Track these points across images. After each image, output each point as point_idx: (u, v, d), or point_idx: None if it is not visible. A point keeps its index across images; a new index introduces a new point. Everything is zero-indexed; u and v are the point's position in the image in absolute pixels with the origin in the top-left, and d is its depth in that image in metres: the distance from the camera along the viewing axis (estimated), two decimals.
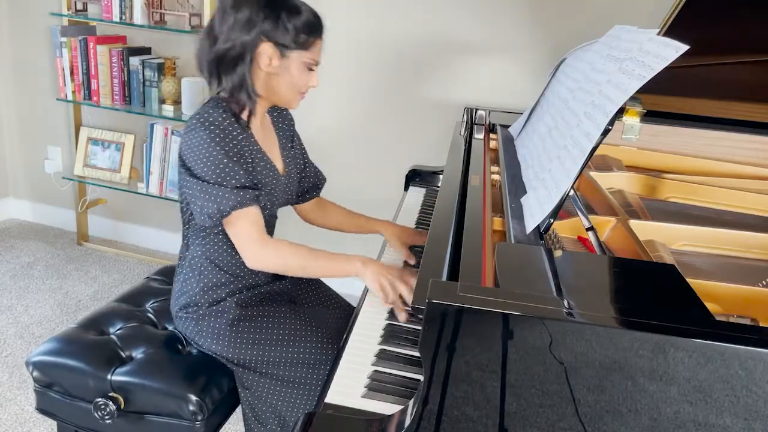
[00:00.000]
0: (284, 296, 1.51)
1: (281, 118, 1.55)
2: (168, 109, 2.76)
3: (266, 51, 1.31)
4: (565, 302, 0.81)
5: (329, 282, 1.69)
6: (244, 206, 1.30)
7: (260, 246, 1.33)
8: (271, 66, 1.33)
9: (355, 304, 1.50)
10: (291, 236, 1.68)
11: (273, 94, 1.38)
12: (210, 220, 1.30)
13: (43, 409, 1.42)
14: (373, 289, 1.27)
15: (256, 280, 1.45)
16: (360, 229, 1.71)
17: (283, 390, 1.37)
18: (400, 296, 1.25)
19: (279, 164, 1.48)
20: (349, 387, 1.04)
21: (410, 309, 1.23)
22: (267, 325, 1.39)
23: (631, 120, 1.76)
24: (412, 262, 1.53)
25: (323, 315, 1.53)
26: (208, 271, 1.41)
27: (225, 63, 1.31)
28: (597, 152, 1.02)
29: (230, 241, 1.37)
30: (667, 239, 1.27)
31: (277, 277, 1.50)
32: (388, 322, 1.23)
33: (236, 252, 1.37)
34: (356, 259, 1.32)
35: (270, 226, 1.51)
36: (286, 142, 1.55)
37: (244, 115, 1.37)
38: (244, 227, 1.32)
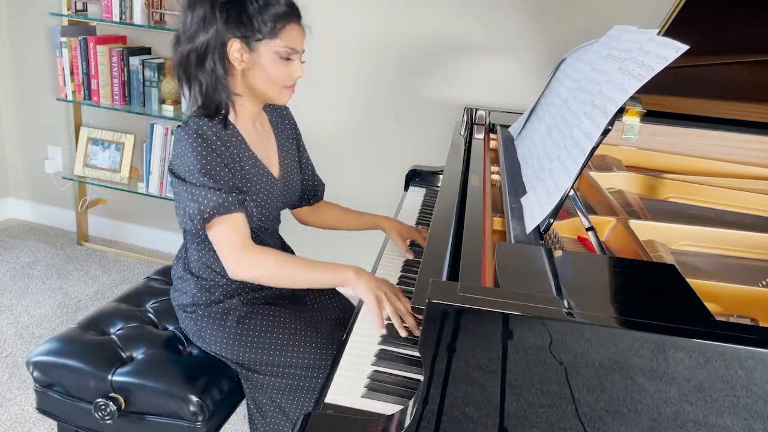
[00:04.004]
0: (286, 297, 1.49)
1: (281, 118, 1.53)
2: (168, 109, 2.76)
3: (234, 47, 1.29)
4: (565, 302, 0.81)
5: None
6: (228, 212, 1.27)
7: (240, 254, 1.28)
8: (243, 62, 1.30)
9: (354, 303, 1.50)
10: (288, 238, 1.68)
11: (254, 91, 1.35)
12: (191, 222, 1.27)
13: (43, 409, 1.42)
14: (368, 302, 1.22)
15: (254, 283, 1.41)
16: (358, 225, 1.69)
17: (283, 387, 1.37)
18: (396, 312, 1.19)
19: (275, 168, 1.45)
20: (349, 387, 1.04)
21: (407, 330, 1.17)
22: (266, 328, 1.38)
23: (631, 120, 1.76)
24: (410, 256, 1.54)
25: (324, 318, 1.51)
26: (206, 275, 1.41)
27: (192, 64, 1.29)
28: (597, 152, 1.02)
29: None
30: (667, 239, 1.27)
31: None
32: (388, 322, 1.23)
33: None
34: (349, 269, 1.28)
35: (264, 232, 1.47)
36: (287, 143, 1.52)
37: (231, 117, 1.35)
38: (224, 233, 1.28)
